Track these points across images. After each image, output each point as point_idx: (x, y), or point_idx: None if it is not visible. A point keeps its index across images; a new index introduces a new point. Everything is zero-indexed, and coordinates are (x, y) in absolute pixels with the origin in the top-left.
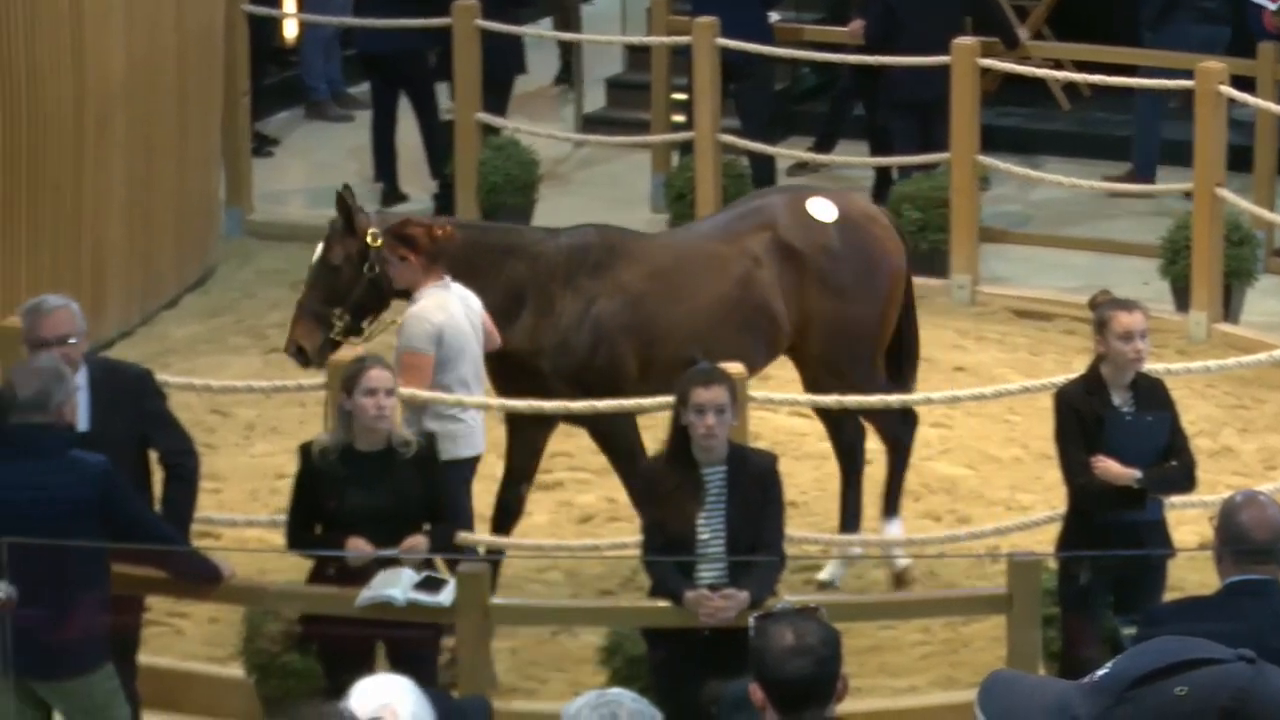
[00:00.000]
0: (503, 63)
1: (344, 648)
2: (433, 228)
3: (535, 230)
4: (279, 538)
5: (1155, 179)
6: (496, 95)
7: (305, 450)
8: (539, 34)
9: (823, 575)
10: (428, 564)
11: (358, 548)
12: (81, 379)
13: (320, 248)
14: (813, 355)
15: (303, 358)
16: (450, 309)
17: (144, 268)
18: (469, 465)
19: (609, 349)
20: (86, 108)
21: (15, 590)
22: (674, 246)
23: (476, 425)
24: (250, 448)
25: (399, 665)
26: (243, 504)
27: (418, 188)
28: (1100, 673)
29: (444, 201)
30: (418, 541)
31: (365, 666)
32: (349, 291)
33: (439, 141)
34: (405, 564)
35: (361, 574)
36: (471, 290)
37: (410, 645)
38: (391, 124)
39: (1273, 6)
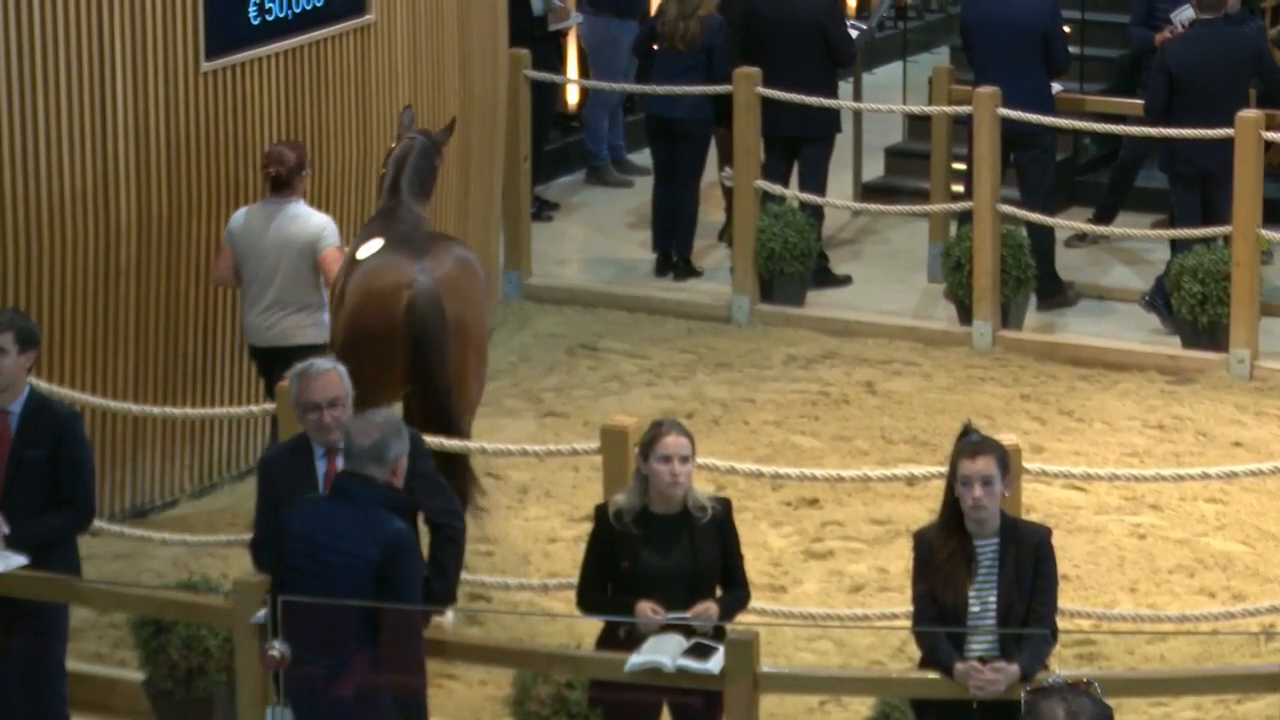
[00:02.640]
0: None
1: (629, 712)
2: None
3: None
4: (550, 601)
5: None
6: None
7: (601, 511)
8: (822, 103)
9: None
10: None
11: (647, 613)
12: None
13: None
14: None
15: None
16: None
17: None
18: None
19: None
20: (370, 169)
21: (289, 648)
22: None
23: None
24: (524, 511)
25: None
26: (515, 567)
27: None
28: None
29: (686, 273)
30: (709, 608)
31: None
32: None
33: (693, 212)
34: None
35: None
36: None
37: (695, 710)
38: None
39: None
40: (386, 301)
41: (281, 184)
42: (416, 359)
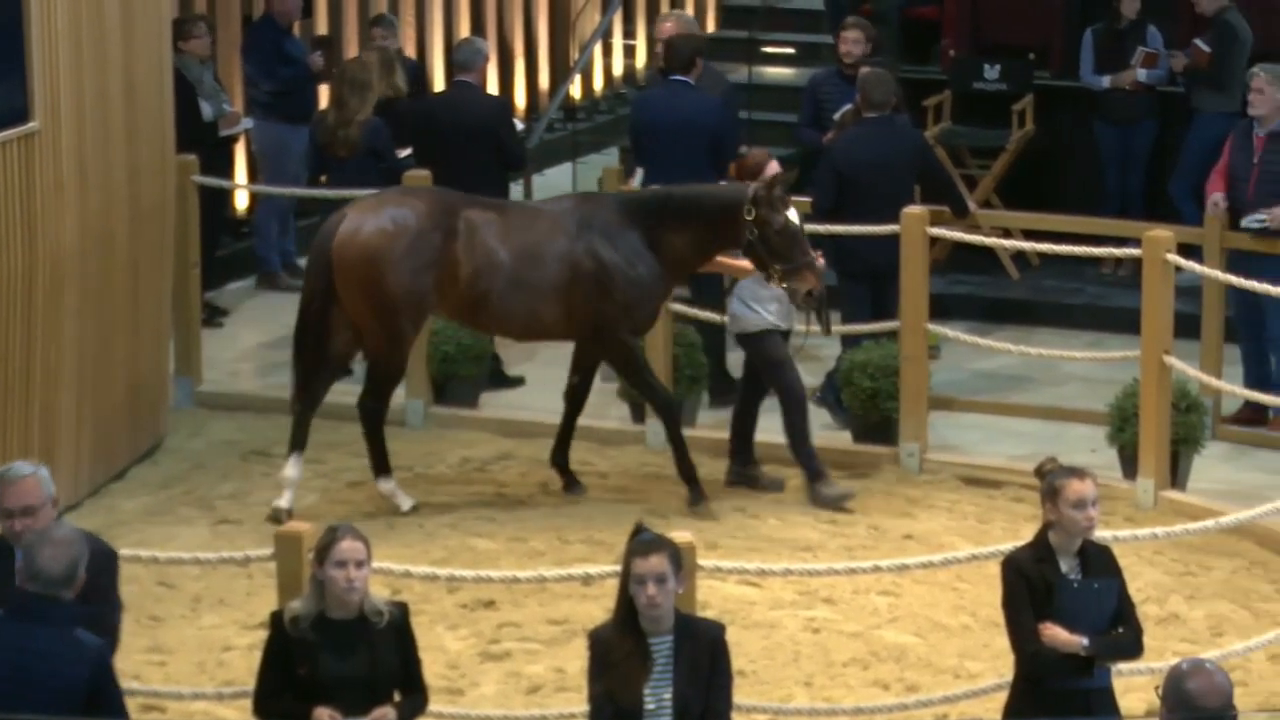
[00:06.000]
0: None
1: None
2: None
3: None
4: (226, 710)
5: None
6: None
7: (277, 618)
8: None
9: None
10: None
11: (324, 718)
12: None
13: None
14: None
15: None
16: None
17: (93, 438)
18: None
19: None
20: (37, 278)
21: None
22: None
23: None
24: (197, 620)
25: None
26: (190, 676)
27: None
28: None
29: None
30: (387, 713)
31: None
32: None
33: None
34: None
35: None
36: None
37: None
38: None
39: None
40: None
41: None
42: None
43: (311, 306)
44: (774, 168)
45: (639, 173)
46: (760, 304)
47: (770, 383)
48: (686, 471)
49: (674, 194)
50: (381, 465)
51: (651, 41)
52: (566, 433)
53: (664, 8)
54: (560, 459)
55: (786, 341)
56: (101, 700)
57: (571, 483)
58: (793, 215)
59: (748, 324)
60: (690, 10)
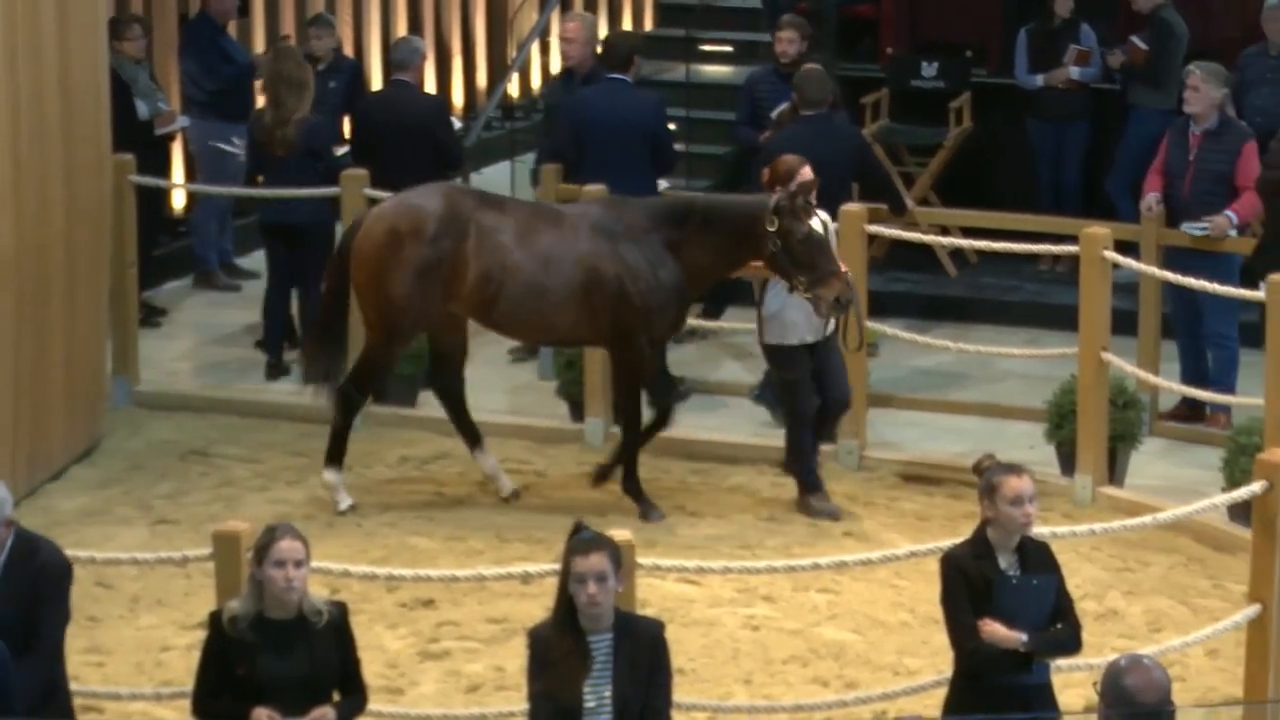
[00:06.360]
0: None
1: None
2: None
3: None
4: (164, 711)
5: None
6: None
7: (215, 618)
8: None
9: None
10: None
11: (263, 718)
12: None
13: None
14: None
15: None
16: None
17: (31, 439)
18: None
19: None
20: None
21: None
22: None
23: None
24: (136, 620)
25: None
26: (128, 677)
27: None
28: None
29: None
30: (326, 713)
31: None
32: None
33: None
34: None
35: None
36: None
37: None
38: (288, 295)
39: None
40: None
41: None
42: None
43: (332, 298)
44: (806, 174)
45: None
46: (784, 316)
47: (781, 399)
48: (632, 488)
49: (698, 201)
50: (335, 456)
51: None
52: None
53: (601, 6)
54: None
55: (813, 354)
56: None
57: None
58: (816, 224)
59: (770, 335)
60: (628, 8)
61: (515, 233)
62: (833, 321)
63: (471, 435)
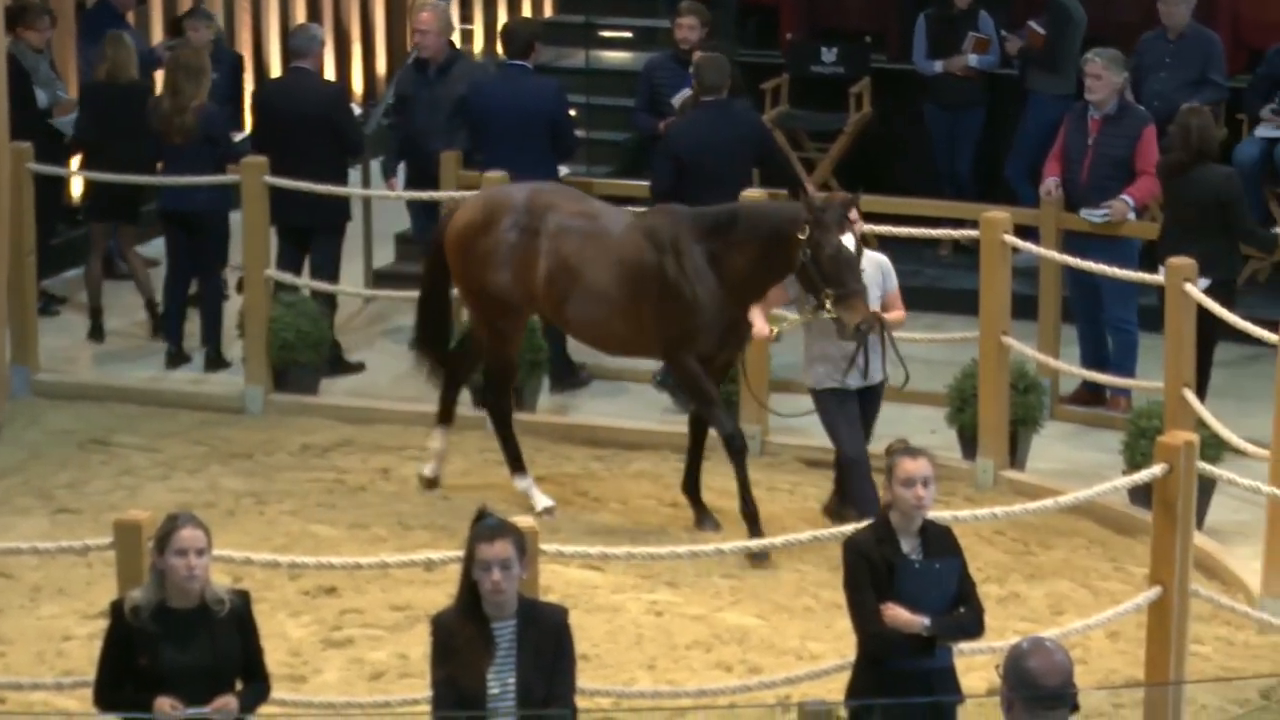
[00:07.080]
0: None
1: None
2: None
3: None
4: (66, 700)
5: None
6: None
7: (117, 607)
8: (331, 191)
9: None
10: None
11: (166, 709)
12: None
13: None
14: None
15: None
16: None
17: None
18: None
19: None
20: None
21: None
22: None
23: None
24: (36, 610)
25: None
26: (29, 667)
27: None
28: None
29: (216, 365)
30: (229, 702)
31: None
32: None
33: (218, 304)
34: None
35: None
36: None
37: None
38: (187, 283)
39: None
40: None
41: None
42: None
43: (429, 289)
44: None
45: (401, 170)
46: (815, 363)
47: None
48: (748, 508)
49: (740, 211)
50: (515, 461)
51: (490, 26)
52: (695, 461)
53: None
54: (691, 488)
55: (856, 399)
56: None
57: (703, 516)
58: (848, 240)
59: (808, 380)
60: None
61: (582, 236)
62: (877, 369)
63: (514, 456)
